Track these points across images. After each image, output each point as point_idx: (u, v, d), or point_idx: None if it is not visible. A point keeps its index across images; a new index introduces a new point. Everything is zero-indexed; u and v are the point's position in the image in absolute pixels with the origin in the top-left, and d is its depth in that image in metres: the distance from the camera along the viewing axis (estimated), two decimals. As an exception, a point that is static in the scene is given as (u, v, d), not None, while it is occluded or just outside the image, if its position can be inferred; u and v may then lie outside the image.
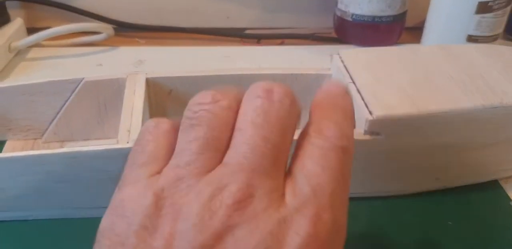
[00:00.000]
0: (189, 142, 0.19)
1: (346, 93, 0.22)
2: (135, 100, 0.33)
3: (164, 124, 0.21)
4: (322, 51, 0.51)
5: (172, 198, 0.18)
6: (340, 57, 0.35)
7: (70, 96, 0.36)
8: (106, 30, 0.50)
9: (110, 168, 0.29)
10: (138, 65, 0.48)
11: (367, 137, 0.29)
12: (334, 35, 0.54)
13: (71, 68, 0.47)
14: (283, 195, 0.19)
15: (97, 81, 0.35)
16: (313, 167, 0.19)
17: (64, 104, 0.36)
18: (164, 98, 0.36)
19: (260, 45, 0.54)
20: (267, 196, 0.18)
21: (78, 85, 0.35)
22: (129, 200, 0.19)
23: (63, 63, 0.48)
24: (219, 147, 0.19)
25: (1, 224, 0.31)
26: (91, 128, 0.37)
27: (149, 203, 0.18)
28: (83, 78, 0.35)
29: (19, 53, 0.49)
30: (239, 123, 0.20)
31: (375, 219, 0.32)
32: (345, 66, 0.34)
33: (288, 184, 0.19)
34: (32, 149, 0.37)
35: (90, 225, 0.32)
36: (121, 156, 0.28)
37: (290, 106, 0.20)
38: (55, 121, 0.36)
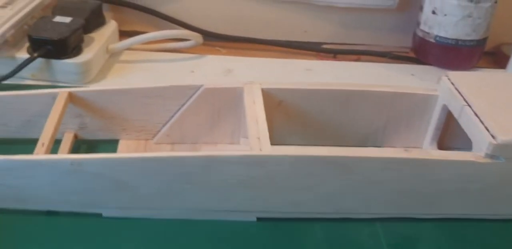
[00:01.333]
0: None
1: None
2: (256, 109, 0.35)
3: None
4: (399, 69, 0.53)
5: None
6: (449, 79, 0.36)
7: (187, 101, 0.37)
8: (196, 38, 0.52)
9: (241, 173, 0.31)
10: (228, 73, 0.50)
11: (488, 160, 0.31)
12: (411, 54, 0.56)
13: (165, 73, 0.49)
14: None
15: (215, 88, 0.37)
16: None
17: (180, 108, 0.38)
18: (273, 109, 0.38)
19: (337, 60, 0.56)
20: None
21: (196, 91, 0.37)
22: None
23: (156, 67, 0.50)
24: None
25: (127, 221, 0.32)
26: (201, 132, 0.39)
27: None
28: (202, 85, 0.37)
29: (113, 55, 0.51)
30: None
31: (487, 241, 0.33)
32: (456, 89, 0.35)
33: None
34: (145, 149, 0.39)
35: (214, 227, 0.34)
36: (253, 162, 0.30)
37: None
38: (169, 123, 0.38)
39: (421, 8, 0.53)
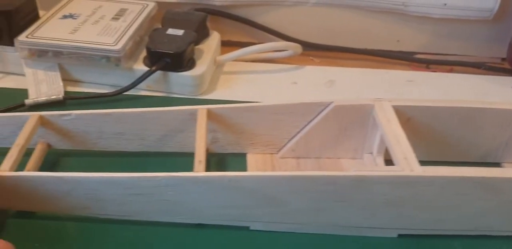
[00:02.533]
0: None
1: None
2: (393, 127, 0.35)
3: None
4: (497, 81, 0.53)
5: None
6: None
7: (315, 117, 0.39)
8: (296, 48, 0.53)
9: (389, 192, 0.32)
10: (331, 85, 0.51)
11: None
12: (506, 66, 0.56)
13: (269, 84, 0.51)
14: None
15: (345, 105, 0.38)
16: None
17: (308, 124, 0.39)
18: (402, 125, 0.38)
19: (431, 71, 0.56)
20: None
21: (325, 107, 0.38)
22: None
23: (259, 78, 0.51)
24: None
25: (272, 234, 0.34)
26: (326, 147, 0.40)
27: None
28: (332, 102, 0.38)
29: (218, 66, 0.52)
30: None
31: None
32: None
33: None
34: (272, 163, 0.40)
35: (355, 243, 0.35)
36: (403, 183, 0.31)
37: None
38: (295, 139, 0.39)
39: (519, 19, 0.53)
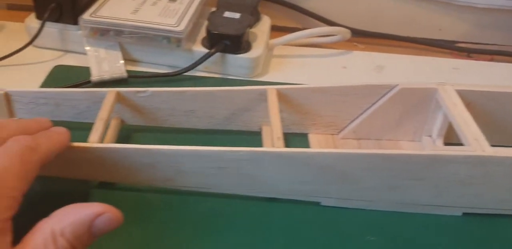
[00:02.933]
0: None
1: (62, 132, 0.32)
2: (460, 111, 0.37)
3: None
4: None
5: None
6: None
7: (379, 99, 0.40)
8: (345, 33, 0.54)
9: (461, 172, 0.33)
10: (380, 70, 0.52)
11: None
12: (546, 56, 0.57)
13: (319, 68, 0.52)
14: None
15: (410, 88, 0.39)
16: None
17: (371, 106, 0.40)
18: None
19: (473, 59, 0.57)
20: None
21: (390, 90, 0.39)
22: None
23: (309, 62, 0.53)
24: None
25: (342, 210, 0.35)
26: (386, 130, 0.41)
27: None
28: (397, 85, 0.39)
29: (269, 50, 0.53)
30: None
31: None
32: None
33: None
34: (333, 143, 0.41)
35: (421, 220, 0.36)
36: (475, 162, 0.32)
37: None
38: (357, 120, 0.41)
39: None
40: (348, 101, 0.40)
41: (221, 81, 0.48)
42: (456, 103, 0.37)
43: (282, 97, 0.40)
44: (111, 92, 0.38)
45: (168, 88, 0.38)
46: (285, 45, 0.54)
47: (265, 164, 0.33)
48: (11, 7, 0.59)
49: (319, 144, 0.41)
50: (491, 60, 0.58)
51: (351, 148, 0.41)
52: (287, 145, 0.33)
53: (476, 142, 0.34)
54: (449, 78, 0.52)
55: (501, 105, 0.40)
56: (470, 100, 0.40)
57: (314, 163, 0.33)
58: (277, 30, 0.58)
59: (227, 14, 0.49)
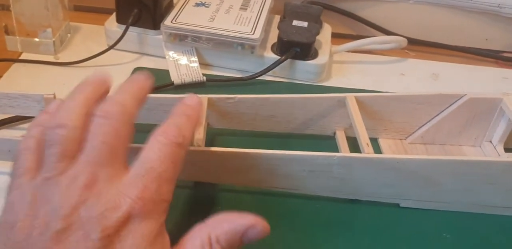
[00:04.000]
0: (50, 155, 0.27)
1: (197, 104, 0.31)
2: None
3: (30, 142, 0.28)
4: None
5: (44, 192, 0.26)
6: None
7: (447, 107, 0.43)
8: (402, 42, 0.57)
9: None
10: (436, 78, 0.55)
11: None
12: None
13: (378, 74, 0.55)
14: (122, 175, 0.26)
15: (477, 98, 0.42)
16: (149, 155, 0.27)
17: (439, 113, 0.43)
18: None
19: (518, 69, 0.60)
20: (107, 179, 0.26)
21: (459, 99, 0.42)
22: (15, 199, 0.26)
23: (368, 68, 0.56)
24: (71, 155, 0.27)
25: (419, 211, 0.38)
26: (451, 135, 0.44)
27: (29, 199, 0.26)
28: (465, 94, 0.42)
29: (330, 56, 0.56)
30: (86, 136, 0.27)
31: None
32: None
33: (129, 167, 0.27)
34: (403, 147, 0.44)
35: (493, 220, 0.39)
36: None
37: (122, 119, 0.28)
38: (426, 126, 0.44)
39: None
40: (419, 109, 0.43)
41: (289, 85, 0.51)
42: (521, 113, 0.41)
43: (359, 103, 0.42)
44: (204, 98, 0.40)
45: (253, 95, 0.41)
46: (345, 52, 0.57)
47: (354, 169, 0.36)
48: (78, 9, 0.61)
49: (390, 149, 0.44)
50: (535, 69, 0.61)
51: (419, 153, 0.44)
52: (358, 149, 0.36)
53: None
54: (500, 87, 0.55)
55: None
56: (534, 110, 0.43)
57: (402, 168, 0.36)
58: (335, 37, 0.60)
59: (296, 22, 0.52)
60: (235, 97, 0.41)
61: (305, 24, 0.51)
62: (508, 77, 0.57)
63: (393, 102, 0.43)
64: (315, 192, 0.38)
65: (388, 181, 0.37)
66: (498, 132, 0.43)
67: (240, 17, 0.51)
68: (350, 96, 0.42)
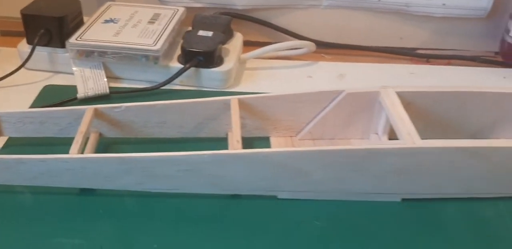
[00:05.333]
0: None
1: None
2: (398, 109, 0.42)
3: None
4: (491, 73, 0.60)
5: None
6: None
7: (329, 103, 0.45)
8: (310, 46, 0.59)
9: (396, 162, 0.38)
10: (341, 78, 0.57)
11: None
12: (499, 59, 0.62)
13: (287, 78, 0.57)
14: None
15: (355, 93, 0.44)
16: None
17: (323, 109, 0.45)
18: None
19: (431, 64, 0.62)
20: None
21: (338, 95, 0.44)
22: None
23: (278, 73, 0.58)
24: None
25: (296, 202, 0.40)
26: (338, 130, 0.46)
27: None
28: (344, 90, 0.44)
29: (241, 63, 0.59)
30: None
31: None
32: None
33: None
34: (292, 144, 0.46)
35: (366, 207, 0.41)
36: (407, 153, 0.37)
37: None
38: (312, 123, 0.46)
39: (510, 16, 0.59)
40: (302, 107, 0.45)
41: (196, 93, 0.53)
42: (394, 103, 0.42)
43: (245, 105, 0.45)
44: (89, 109, 0.43)
45: (140, 102, 0.44)
46: (257, 58, 0.60)
47: (226, 165, 0.38)
48: (4, 34, 0.64)
49: (279, 145, 0.46)
50: (448, 64, 0.62)
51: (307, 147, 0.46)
52: (251, 147, 0.38)
53: (408, 136, 0.38)
54: (406, 82, 0.57)
55: (437, 103, 0.45)
56: (410, 100, 0.44)
57: (270, 161, 0.38)
58: (251, 45, 0.63)
59: (201, 32, 0.54)
60: (121, 105, 0.44)
61: (210, 33, 0.54)
62: (415, 72, 0.59)
63: (276, 102, 0.45)
64: (195, 191, 0.40)
65: (261, 174, 0.39)
66: (381, 124, 0.45)
67: (146, 30, 0.54)
68: (233, 99, 0.44)
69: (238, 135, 0.40)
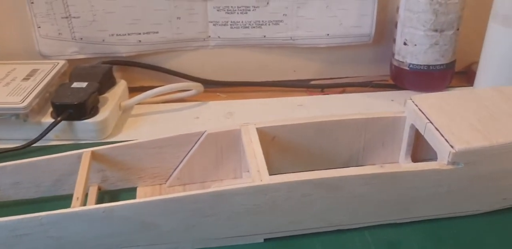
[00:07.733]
0: None
1: None
2: (253, 146, 0.40)
3: None
4: (380, 96, 0.59)
5: None
6: (413, 102, 0.42)
7: (193, 146, 0.43)
8: (197, 87, 0.58)
9: (246, 202, 0.36)
10: (229, 116, 0.56)
11: (450, 167, 0.37)
12: (390, 82, 0.62)
13: (173, 121, 0.56)
14: None
15: (217, 132, 0.42)
16: None
17: (188, 153, 0.43)
18: (268, 144, 0.43)
19: (325, 94, 0.62)
20: None
21: (200, 136, 0.43)
22: None
23: (164, 117, 0.56)
24: None
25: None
26: (208, 172, 0.44)
27: None
28: (205, 131, 0.43)
29: (125, 111, 0.57)
30: None
31: (459, 235, 0.39)
32: (420, 109, 0.41)
33: None
34: (160, 193, 0.44)
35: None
36: (256, 192, 0.35)
37: None
38: (179, 168, 0.44)
39: (394, 40, 0.59)
40: (165, 152, 0.43)
41: (72, 147, 0.50)
42: (252, 140, 0.41)
43: (102, 157, 0.43)
44: None
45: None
46: (145, 104, 0.58)
47: (66, 225, 0.35)
48: None
49: (145, 195, 0.44)
50: (343, 92, 0.62)
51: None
52: (116, 200, 0.36)
53: (257, 173, 0.37)
54: (294, 115, 0.56)
55: (301, 135, 0.43)
56: (274, 134, 0.43)
57: (112, 216, 0.35)
58: (144, 90, 0.61)
59: (75, 84, 0.53)
60: (-34, 169, 0.41)
61: (84, 84, 0.53)
62: (303, 104, 0.58)
63: (135, 150, 0.43)
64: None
65: (105, 231, 0.36)
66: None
67: (19, 87, 0.52)
68: (86, 152, 0.42)
69: (80, 191, 0.38)
